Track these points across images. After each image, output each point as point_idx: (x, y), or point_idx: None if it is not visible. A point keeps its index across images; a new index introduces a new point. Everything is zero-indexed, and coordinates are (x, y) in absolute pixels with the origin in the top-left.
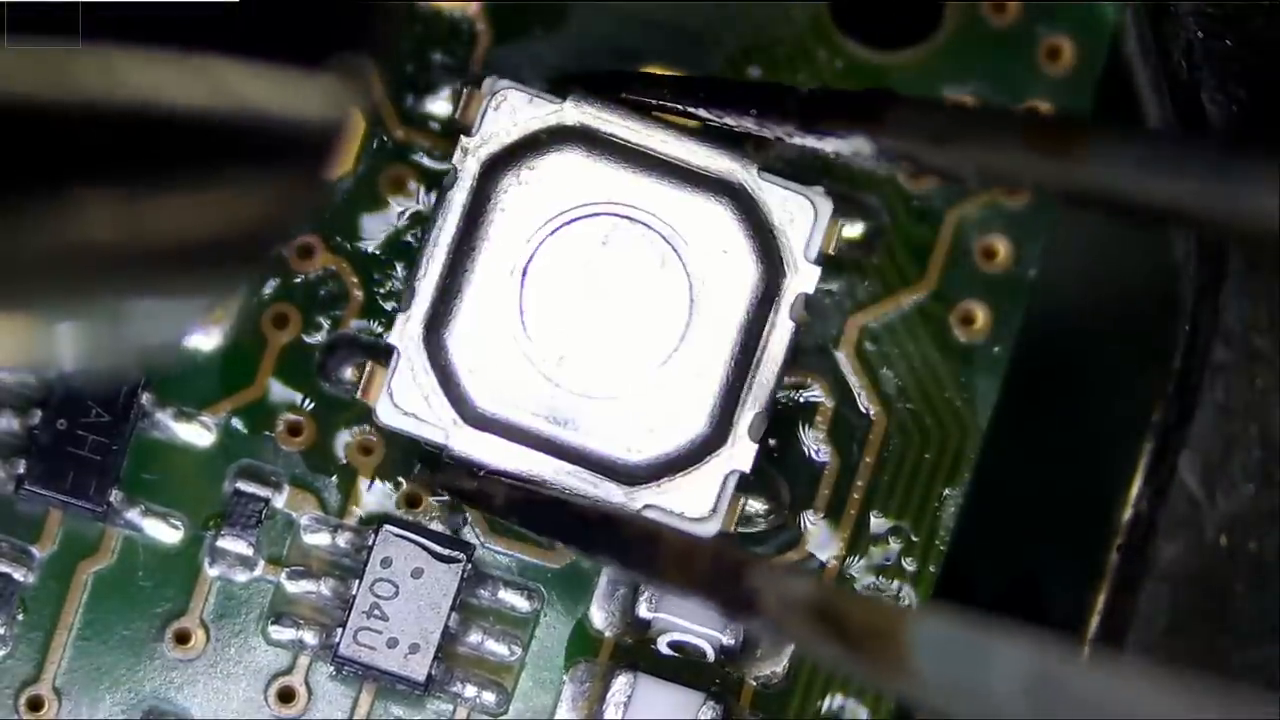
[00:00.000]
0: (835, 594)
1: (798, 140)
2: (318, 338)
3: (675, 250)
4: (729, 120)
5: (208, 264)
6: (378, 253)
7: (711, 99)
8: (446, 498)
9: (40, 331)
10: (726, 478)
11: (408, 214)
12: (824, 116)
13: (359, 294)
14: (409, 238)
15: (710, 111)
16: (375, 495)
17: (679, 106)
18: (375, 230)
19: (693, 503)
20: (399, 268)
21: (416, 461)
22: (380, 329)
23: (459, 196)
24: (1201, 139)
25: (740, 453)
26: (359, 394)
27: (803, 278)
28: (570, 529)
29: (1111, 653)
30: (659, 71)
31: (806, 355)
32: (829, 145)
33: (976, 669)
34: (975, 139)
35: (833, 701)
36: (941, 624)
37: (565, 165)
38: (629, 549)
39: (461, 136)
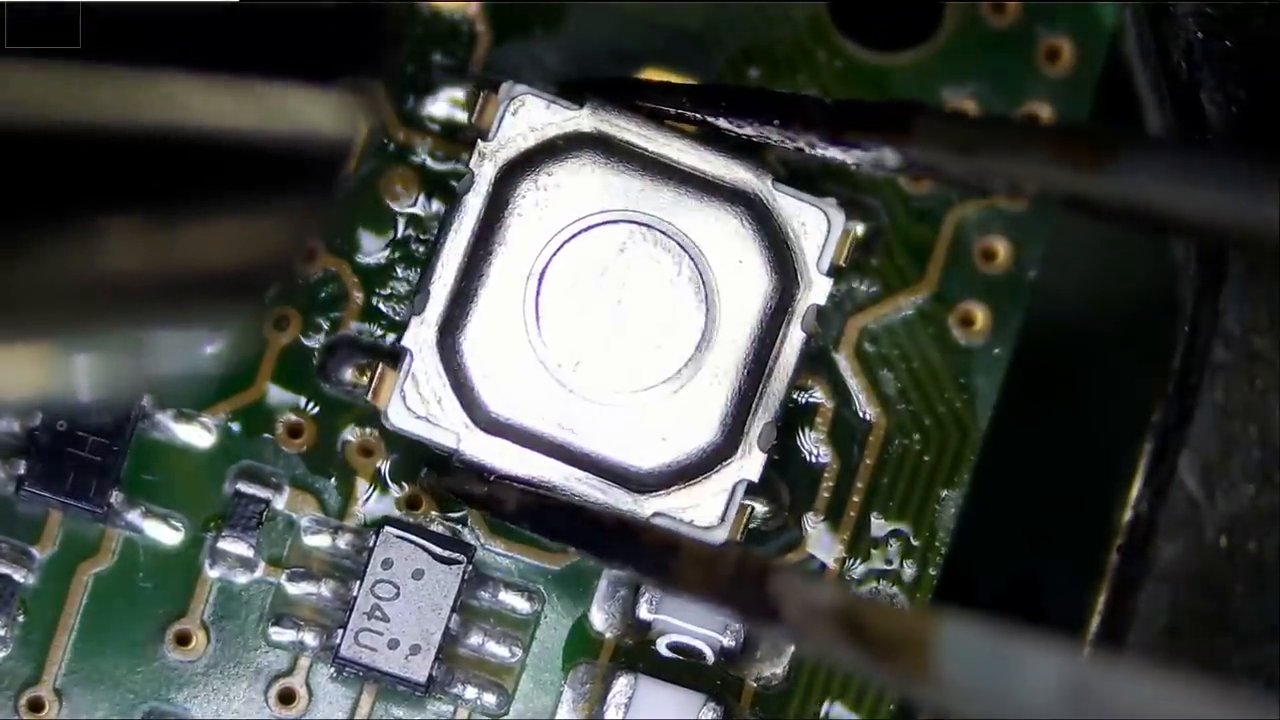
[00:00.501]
0: (859, 601)
1: (820, 151)
2: (318, 339)
3: (691, 260)
4: (748, 130)
5: (225, 289)
6: (378, 254)
7: (732, 108)
8: (453, 503)
9: (58, 361)
10: (735, 487)
11: (408, 216)
12: (851, 127)
13: (359, 295)
14: (409, 240)
15: (730, 120)
16: (376, 497)
17: (697, 115)
18: (375, 232)
19: (701, 511)
20: (399, 269)
21: (423, 466)
22: (380, 331)
23: (475, 201)
24: (1231, 151)
25: (750, 462)
26: (369, 396)
27: (815, 289)
28: (585, 535)
29: (1151, 659)
30: (674, 79)
31: (806, 357)
32: (851, 156)
33: (1008, 676)
34: (1002, 150)
35: (832, 703)
36: (969, 630)
37: (582, 172)
38: (646, 555)
39: (478, 141)
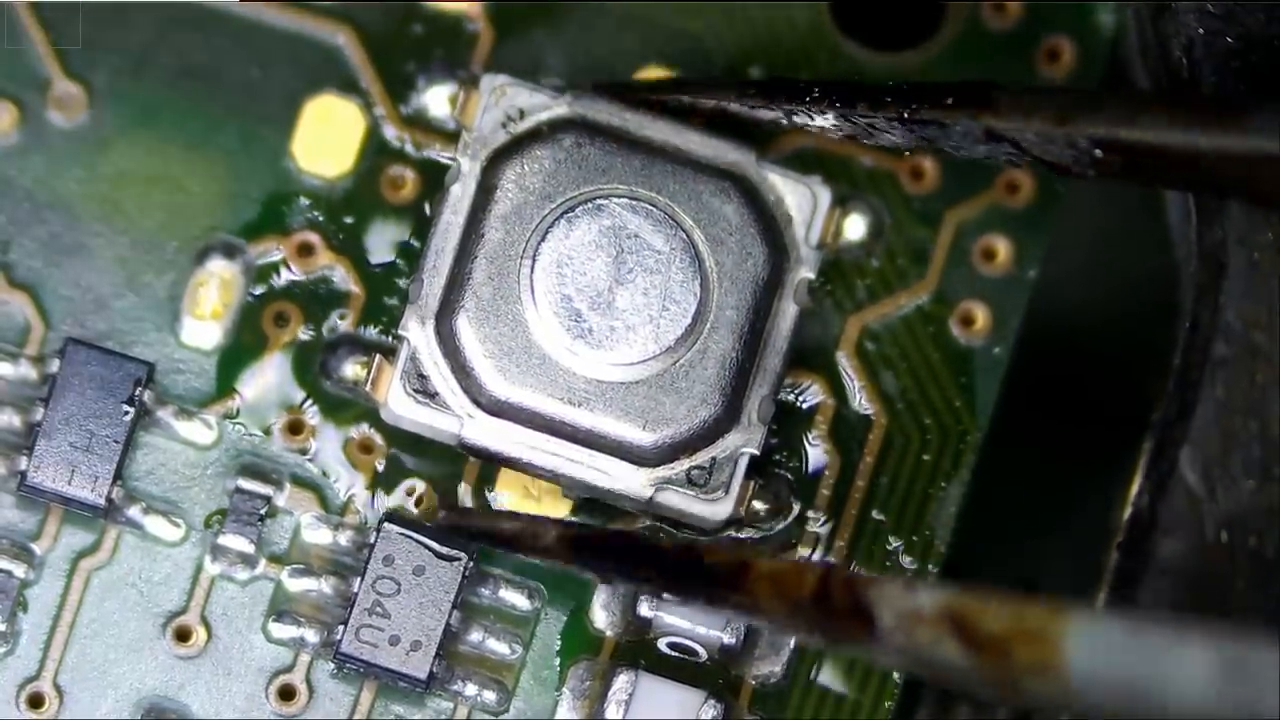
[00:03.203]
0: (966, 599)
1: (840, 130)
2: (319, 336)
3: (683, 233)
4: (774, 112)
5: None
6: (378, 251)
7: (759, 90)
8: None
9: None
10: (739, 459)
11: (408, 213)
12: (929, 104)
13: (360, 292)
14: (409, 236)
15: (776, 105)
16: (377, 494)
17: (709, 103)
18: (376, 229)
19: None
20: (400, 266)
21: (441, 511)
22: (381, 327)
23: (463, 189)
24: None
25: (751, 435)
26: (368, 387)
27: (806, 264)
28: (641, 564)
29: None
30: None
31: (807, 355)
32: (897, 136)
33: (1154, 665)
34: (1110, 117)
35: (830, 700)
36: (1103, 621)
37: (568, 153)
38: (716, 580)
39: (463, 131)
